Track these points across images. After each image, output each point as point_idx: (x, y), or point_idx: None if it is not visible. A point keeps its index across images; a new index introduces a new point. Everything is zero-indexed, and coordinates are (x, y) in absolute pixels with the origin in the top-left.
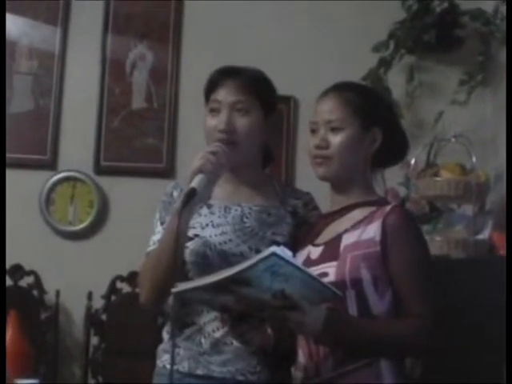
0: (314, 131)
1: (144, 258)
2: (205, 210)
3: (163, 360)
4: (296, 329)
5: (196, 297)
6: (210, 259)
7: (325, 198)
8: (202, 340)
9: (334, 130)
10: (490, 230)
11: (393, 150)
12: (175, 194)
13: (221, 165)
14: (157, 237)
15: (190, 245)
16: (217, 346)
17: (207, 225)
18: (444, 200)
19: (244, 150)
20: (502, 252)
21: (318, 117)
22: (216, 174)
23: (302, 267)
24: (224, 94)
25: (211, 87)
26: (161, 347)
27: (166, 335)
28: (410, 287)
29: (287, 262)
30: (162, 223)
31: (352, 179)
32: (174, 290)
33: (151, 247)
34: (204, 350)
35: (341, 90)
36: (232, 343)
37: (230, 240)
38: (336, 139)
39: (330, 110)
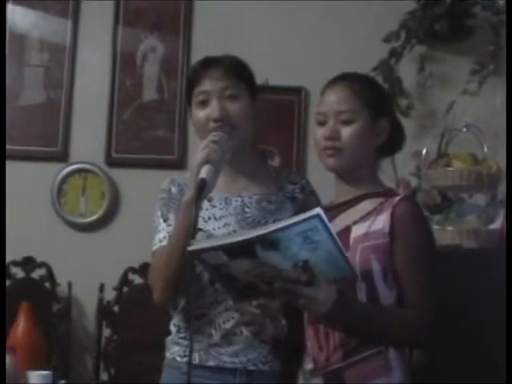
0: (322, 122)
1: (152, 258)
2: (205, 204)
3: (173, 352)
4: (305, 305)
5: (210, 259)
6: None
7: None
8: (213, 332)
9: (345, 121)
10: (502, 219)
11: (394, 140)
12: (173, 190)
13: (224, 153)
14: (162, 234)
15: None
16: (228, 337)
17: (209, 218)
18: (456, 190)
19: (241, 134)
20: None
21: (326, 107)
22: (221, 162)
23: (336, 236)
24: (210, 84)
25: (194, 81)
26: (169, 339)
27: (173, 328)
28: (412, 278)
29: (326, 226)
30: (164, 220)
31: (360, 170)
32: (190, 248)
33: (157, 245)
34: (215, 341)
35: (349, 80)
36: (242, 333)
37: (234, 231)
38: (347, 131)
39: (339, 100)
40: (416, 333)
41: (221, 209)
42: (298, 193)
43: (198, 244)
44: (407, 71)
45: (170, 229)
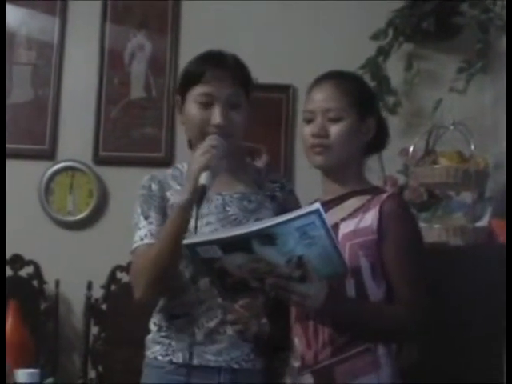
0: (309, 120)
1: (132, 255)
2: None
3: (154, 351)
4: (297, 301)
5: (204, 253)
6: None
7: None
8: (196, 330)
9: (333, 119)
10: (490, 217)
11: (379, 139)
12: (154, 186)
13: (221, 158)
14: (143, 232)
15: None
16: (211, 336)
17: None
18: (443, 187)
19: (236, 141)
20: (502, 239)
21: (314, 105)
22: (219, 168)
23: (332, 233)
24: (216, 88)
25: (196, 78)
26: (149, 338)
27: (153, 326)
28: (401, 274)
29: (324, 222)
30: (145, 218)
31: (347, 168)
32: (186, 241)
33: (138, 243)
34: (198, 340)
35: (336, 78)
36: (226, 332)
37: (216, 229)
38: (335, 128)
39: (327, 98)
40: (406, 328)
41: (203, 207)
42: (278, 191)
43: (194, 238)
44: (395, 69)
45: (152, 227)
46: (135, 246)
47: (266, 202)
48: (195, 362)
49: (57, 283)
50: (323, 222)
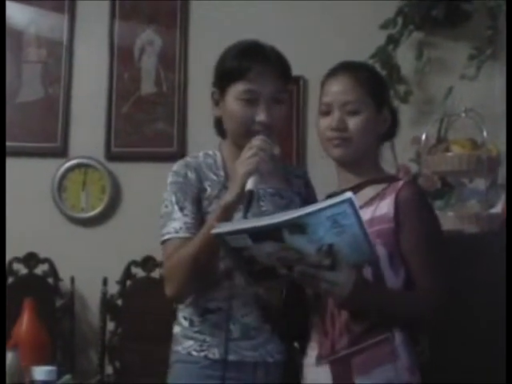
0: (326, 112)
1: (165, 247)
2: (224, 193)
3: (186, 347)
4: (326, 289)
5: (233, 242)
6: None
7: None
8: (231, 326)
9: (351, 111)
10: (503, 203)
11: (392, 128)
12: (190, 175)
13: (269, 162)
14: (178, 224)
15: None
16: (247, 332)
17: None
18: (456, 175)
19: (277, 138)
20: None
21: (330, 98)
22: (267, 170)
23: (362, 220)
24: (261, 85)
25: (238, 74)
26: (180, 333)
27: (184, 321)
28: (421, 262)
29: (355, 211)
30: (181, 209)
31: (364, 159)
32: (215, 230)
33: (171, 235)
34: (234, 336)
35: (352, 69)
36: (261, 328)
37: None
38: (354, 121)
39: (344, 90)
40: (427, 314)
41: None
42: (303, 188)
43: (224, 227)
44: (405, 58)
45: (187, 219)
46: (168, 236)
47: (296, 199)
48: (232, 357)
49: (72, 280)
50: (355, 210)
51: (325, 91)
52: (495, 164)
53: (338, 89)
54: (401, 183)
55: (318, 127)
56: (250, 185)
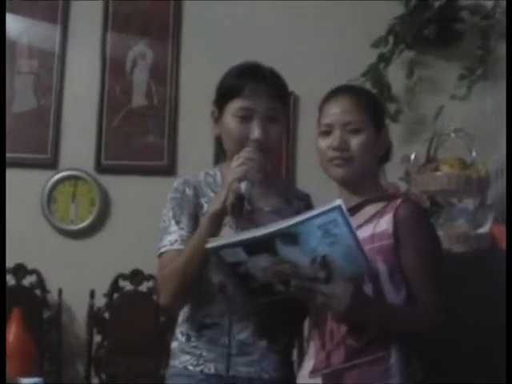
0: (326, 132)
1: (160, 259)
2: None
3: (183, 361)
4: (323, 303)
5: (228, 257)
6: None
7: (326, 194)
8: (227, 342)
9: (353, 131)
10: (491, 223)
11: (388, 151)
12: (188, 191)
13: (259, 172)
14: (173, 237)
15: (208, 245)
16: (243, 347)
17: (224, 225)
18: (445, 194)
19: (273, 155)
20: (504, 245)
21: (331, 118)
22: (256, 179)
23: (354, 230)
24: (255, 103)
25: (235, 92)
26: (177, 347)
27: (181, 336)
28: (420, 276)
29: (346, 219)
30: (177, 222)
31: (365, 179)
32: (209, 244)
33: (167, 247)
34: (231, 351)
35: (351, 92)
36: (257, 343)
37: None
38: (356, 140)
39: (346, 111)
40: (426, 329)
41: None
42: (303, 209)
43: (218, 240)
44: (396, 76)
45: (183, 233)
46: (164, 249)
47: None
48: (228, 373)
49: (59, 292)
50: (345, 218)
51: (324, 113)
52: (484, 184)
53: (338, 110)
54: (399, 201)
55: (317, 148)
56: (242, 189)
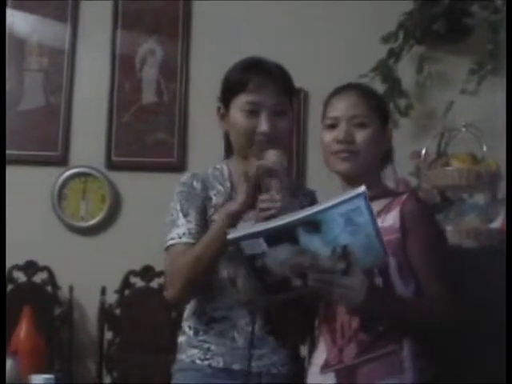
0: (332, 125)
1: (168, 252)
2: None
3: (190, 355)
4: (341, 295)
5: (248, 248)
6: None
7: (335, 190)
8: (236, 335)
9: (359, 125)
10: (502, 218)
11: (390, 151)
12: (196, 184)
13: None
14: (181, 230)
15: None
16: (252, 341)
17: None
18: (455, 189)
19: (284, 148)
20: None
21: (338, 112)
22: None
23: (376, 218)
24: (262, 96)
25: (241, 87)
26: (185, 341)
27: (188, 330)
28: (427, 270)
29: (368, 206)
30: (185, 215)
31: (369, 174)
32: (230, 235)
33: (175, 240)
34: (239, 345)
35: (357, 88)
36: (265, 337)
37: None
38: (361, 134)
39: (352, 105)
40: (435, 321)
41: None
42: (307, 205)
43: (239, 231)
44: (406, 71)
45: (191, 226)
46: (172, 242)
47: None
48: (236, 366)
49: (70, 289)
50: (368, 206)
51: (330, 106)
52: (495, 179)
53: (345, 104)
54: (405, 196)
55: (322, 141)
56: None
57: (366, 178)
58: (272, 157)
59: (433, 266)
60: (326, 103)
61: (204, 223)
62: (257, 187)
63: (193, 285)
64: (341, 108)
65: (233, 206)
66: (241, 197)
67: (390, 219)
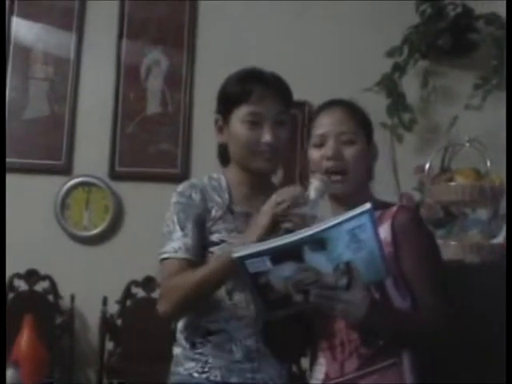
0: (319, 144)
1: (163, 266)
2: (228, 216)
3: (188, 368)
4: (342, 310)
5: (251, 267)
6: (236, 265)
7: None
8: (234, 348)
9: (347, 142)
10: (505, 234)
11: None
12: (194, 196)
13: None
14: (177, 244)
15: (216, 250)
16: (249, 354)
17: (232, 231)
18: (459, 205)
19: (283, 159)
20: None
21: (325, 129)
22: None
23: (380, 235)
24: (264, 107)
25: (242, 97)
26: (181, 354)
27: (185, 342)
28: (421, 283)
29: (374, 223)
30: (181, 228)
31: (359, 190)
32: (237, 254)
33: (170, 254)
34: (237, 358)
35: (342, 104)
36: (262, 350)
37: None
38: (350, 151)
39: (339, 121)
40: (431, 334)
41: (242, 222)
42: None
43: (246, 249)
44: (410, 86)
45: (187, 240)
46: (166, 255)
47: None
48: (234, 379)
49: (72, 298)
50: (374, 223)
51: (317, 124)
52: (498, 194)
53: (332, 120)
54: (395, 208)
55: (309, 159)
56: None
57: (356, 194)
58: (290, 192)
59: (426, 277)
60: (313, 120)
61: (201, 236)
62: (274, 222)
63: (188, 305)
64: (328, 124)
65: (248, 240)
66: (256, 233)
67: (382, 233)
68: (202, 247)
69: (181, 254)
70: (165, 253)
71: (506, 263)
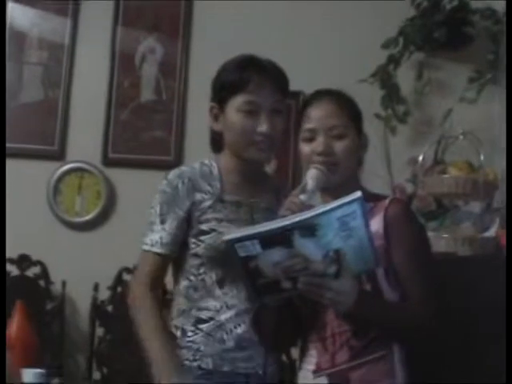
0: (310, 138)
1: (141, 258)
2: (219, 205)
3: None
4: (331, 299)
5: (242, 250)
6: (226, 254)
7: None
8: (225, 336)
9: (337, 136)
10: (497, 227)
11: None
12: (181, 186)
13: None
14: (155, 237)
15: (206, 239)
16: (240, 342)
17: (222, 220)
18: (451, 197)
19: (278, 149)
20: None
21: (315, 123)
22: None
23: (369, 224)
24: (261, 96)
25: (239, 86)
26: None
27: (175, 330)
28: (412, 276)
29: (363, 211)
30: (161, 222)
31: (349, 183)
32: (227, 236)
33: (148, 247)
34: (228, 346)
35: (332, 95)
36: (253, 338)
37: None
38: (340, 145)
39: (329, 115)
40: (421, 324)
41: (232, 211)
42: None
43: (236, 232)
44: (405, 78)
45: (163, 234)
46: (145, 248)
47: None
48: (226, 368)
49: (63, 284)
50: (364, 211)
51: (307, 117)
52: (491, 188)
53: (321, 114)
54: (387, 201)
55: (300, 153)
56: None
57: (346, 185)
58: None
59: (417, 269)
60: (301, 113)
61: (182, 230)
62: None
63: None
64: (317, 118)
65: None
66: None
67: (374, 225)
68: (181, 241)
69: (156, 249)
70: (145, 244)
71: (506, 260)
